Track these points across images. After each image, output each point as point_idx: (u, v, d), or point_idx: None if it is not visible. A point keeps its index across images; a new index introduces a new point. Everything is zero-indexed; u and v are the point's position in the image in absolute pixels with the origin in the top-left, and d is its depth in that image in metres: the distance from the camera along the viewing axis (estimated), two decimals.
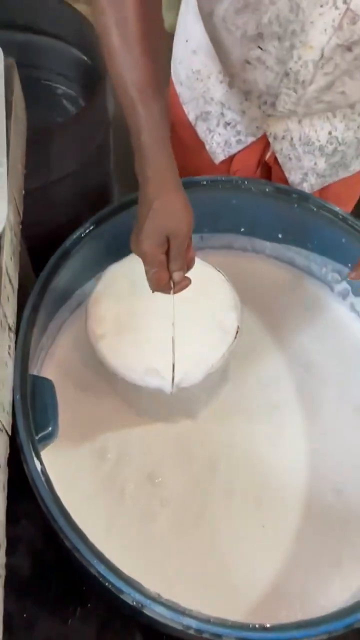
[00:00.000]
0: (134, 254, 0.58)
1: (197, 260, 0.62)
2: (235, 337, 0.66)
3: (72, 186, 0.99)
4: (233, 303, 0.68)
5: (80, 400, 0.70)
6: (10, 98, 0.62)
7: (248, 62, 0.64)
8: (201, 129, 0.79)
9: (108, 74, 0.58)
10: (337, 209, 0.69)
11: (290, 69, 0.61)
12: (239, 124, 0.73)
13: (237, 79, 0.69)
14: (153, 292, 0.59)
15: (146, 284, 0.59)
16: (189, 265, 0.60)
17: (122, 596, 0.48)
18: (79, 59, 1.10)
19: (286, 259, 0.81)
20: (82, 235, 0.65)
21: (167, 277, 0.58)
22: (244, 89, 0.69)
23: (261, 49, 0.62)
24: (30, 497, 0.53)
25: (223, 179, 0.72)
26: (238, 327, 0.66)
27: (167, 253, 0.57)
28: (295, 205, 0.71)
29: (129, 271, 0.68)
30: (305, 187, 0.77)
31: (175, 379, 0.63)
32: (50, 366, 0.72)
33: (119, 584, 0.48)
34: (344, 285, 0.77)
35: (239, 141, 0.75)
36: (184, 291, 0.60)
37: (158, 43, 0.57)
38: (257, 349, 0.76)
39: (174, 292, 0.59)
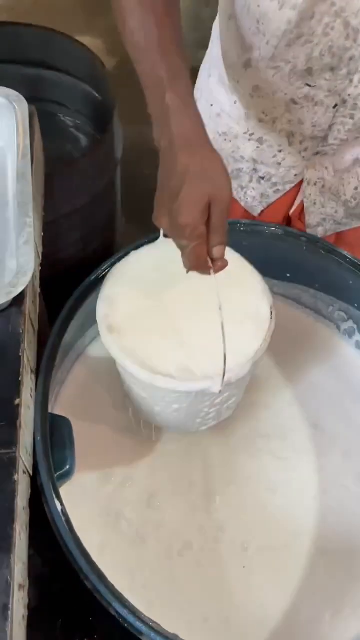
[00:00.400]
0: (166, 230, 0.52)
1: None
2: (272, 319, 0.61)
3: (81, 220, 1.02)
4: (262, 286, 0.63)
5: (89, 428, 0.71)
6: (33, 143, 0.64)
7: (294, 102, 0.65)
8: (232, 187, 0.80)
9: (133, 64, 0.54)
10: (345, 252, 0.72)
11: (349, 95, 0.61)
12: (274, 177, 0.75)
13: (280, 121, 0.69)
14: (189, 271, 0.52)
15: (164, 272, 0.56)
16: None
17: (141, 637, 0.49)
18: (89, 93, 1.14)
19: (293, 296, 0.83)
20: (100, 275, 0.67)
21: (206, 253, 0.51)
22: (287, 130, 0.69)
23: (309, 85, 0.62)
24: (36, 526, 0.54)
25: (237, 222, 0.74)
26: (272, 309, 0.61)
27: (207, 224, 0.50)
28: (304, 248, 0.74)
29: (142, 262, 0.63)
30: (320, 231, 0.79)
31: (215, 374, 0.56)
32: (61, 399, 0.73)
33: (139, 625, 0.49)
34: (350, 323, 0.79)
35: (276, 191, 0.76)
36: (206, 276, 0.52)
37: (179, 17, 0.55)
38: (263, 385, 0.78)
39: (215, 272, 0.52)
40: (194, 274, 0.52)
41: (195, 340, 0.58)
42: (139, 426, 0.72)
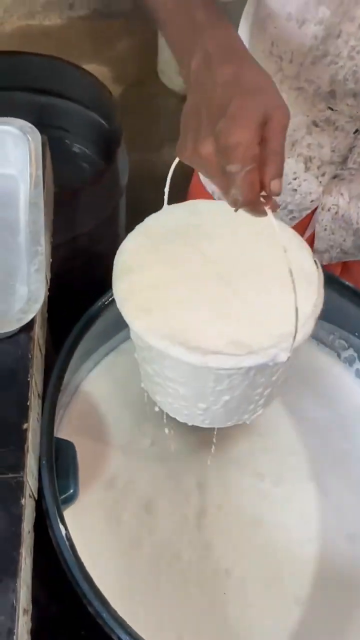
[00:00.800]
0: (201, 159, 0.43)
1: None
2: (318, 269, 0.55)
3: (86, 245, 1.03)
4: (297, 239, 0.56)
5: (93, 446, 0.71)
6: (44, 173, 0.66)
7: (315, 125, 0.64)
8: None
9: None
10: (347, 283, 0.73)
11: None
12: (289, 204, 0.75)
13: (299, 144, 0.68)
14: (238, 206, 0.43)
15: (184, 238, 0.49)
16: None
17: None
18: (96, 121, 1.16)
19: None
20: (106, 302, 0.68)
21: (260, 184, 0.42)
22: (305, 155, 0.68)
23: (331, 109, 0.62)
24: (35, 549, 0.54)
25: None
26: (315, 260, 0.55)
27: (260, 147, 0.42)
28: None
29: (155, 233, 0.57)
30: (325, 257, 0.80)
31: (282, 339, 0.49)
32: (64, 422, 0.74)
33: None
34: (350, 352, 0.80)
35: (292, 218, 0.76)
36: (234, 233, 0.47)
37: None
38: (264, 411, 0.79)
39: (273, 210, 0.43)
40: (221, 232, 0.47)
41: (239, 308, 0.51)
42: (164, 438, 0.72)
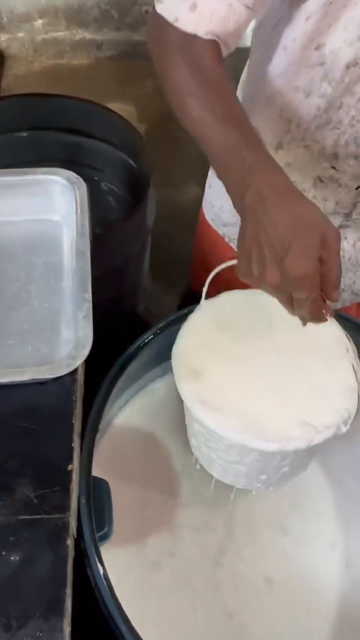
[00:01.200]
0: (268, 286, 0.49)
1: None
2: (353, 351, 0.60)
3: (112, 281, 1.07)
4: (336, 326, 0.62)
5: (123, 484, 0.73)
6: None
7: (320, 180, 0.69)
8: None
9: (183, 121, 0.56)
10: (357, 320, 0.75)
11: None
12: None
13: (306, 195, 0.73)
14: (305, 323, 0.51)
15: (233, 331, 0.56)
16: None
17: None
18: (125, 161, 1.20)
19: None
20: (142, 344, 0.71)
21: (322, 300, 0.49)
22: None
23: (335, 169, 0.67)
24: None
25: None
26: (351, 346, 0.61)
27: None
28: None
29: (208, 318, 0.63)
30: (339, 301, 0.83)
31: (345, 413, 0.56)
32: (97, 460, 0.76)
33: None
34: None
35: None
36: (284, 320, 0.52)
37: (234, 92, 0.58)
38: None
39: (331, 315, 0.51)
40: (266, 327, 0.56)
41: (302, 388, 0.58)
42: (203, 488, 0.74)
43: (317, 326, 0.52)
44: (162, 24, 0.56)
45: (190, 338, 0.63)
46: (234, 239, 0.85)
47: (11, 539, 0.49)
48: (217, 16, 0.55)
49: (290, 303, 0.50)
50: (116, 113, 1.18)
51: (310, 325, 0.52)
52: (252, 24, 0.65)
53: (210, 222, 0.89)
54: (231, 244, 0.86)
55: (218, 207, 0.86)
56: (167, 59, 0.56)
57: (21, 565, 0.48)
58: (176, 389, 0.80)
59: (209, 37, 0.56)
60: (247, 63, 0.75)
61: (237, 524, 0.75)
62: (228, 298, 0.66)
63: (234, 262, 0.54)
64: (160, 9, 0.56)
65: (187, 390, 0.59)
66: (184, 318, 0.71)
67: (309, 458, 0.67)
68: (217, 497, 0.75)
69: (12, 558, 0.48)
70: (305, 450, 0.58)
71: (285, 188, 0.50)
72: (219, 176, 0.54)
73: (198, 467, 0.73)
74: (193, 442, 0.68)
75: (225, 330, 0.63)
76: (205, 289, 0.64)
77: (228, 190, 0.53)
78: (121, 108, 1.45)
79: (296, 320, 0.52)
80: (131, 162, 1.19)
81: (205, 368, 0.60)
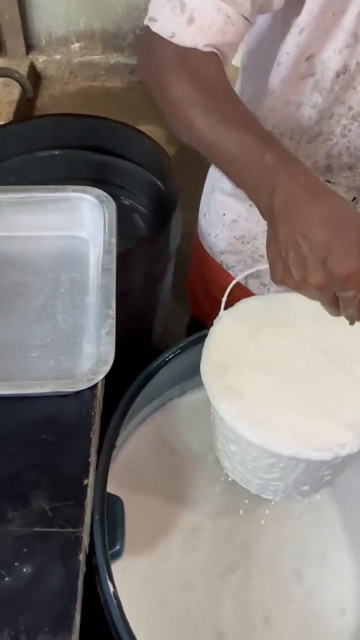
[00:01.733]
0: (319, 288, 0.47)
1: None
2: None
3: (135, 299, 1.08)
4: None
5: (137, 499, 0.72)
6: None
7: None
8: (254, 286, 0.84)
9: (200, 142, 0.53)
10: None
11: None
12: None
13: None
14: (354, 322, 0.49)
15: (262, 330, 0.54)
16: None
17: None
18: (153, 182, 1.22)
19: None
20: (162, 363, 0.71)
21: None
22: None
23: (329, 182, 0.67)
24: None
25: None
26: None
27: None
28: None
29: (232, 328, 0.60)
30: None
31: None
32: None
33: None
34: None
35: None
36: (311, 321, 0.53)
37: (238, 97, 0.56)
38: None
39: None
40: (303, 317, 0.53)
41: (332, 394, 0.55)
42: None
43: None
44: (156, 43, 0.55)
45: (218, 352, 0.60)
46: (232, 266, 0.85)
47: (24, 550, 0.49)
48: (215, 28, 0.53)
49: (335, 304, 0.49)
50: (146, 135, 1.20)
51: (340, 319, 0.49)
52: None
53: (208, 251, 0.89)
54: (229, 271, 0.85)
55: (214, 236, 0.86)
56: (165, 75, 0.54)
57: (33, 578, 0.48)
58: (193, 407, 0.80)
59: (208, 49, 0.54)
60: (237, 83, 0.74)
61: (255, 550, 0.73)
62: (246, 306, 0.63)
63: (265, 266, 0.52)
64: (155, 27, 0.54)
65: (225, 408, 0.56)
66: (204, 338, 0.72)
67: (347, 463, 0.61)
68: (238, 518, 0.74)
69: (24, 570, 0.48)
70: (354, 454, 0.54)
71: (315, 185, 0.48)
72: (238, 184, 0.52)
73: (218, 488, 0.72)
74: (226, 464, 0.65)
75: (251, 338, 0.60)
76: (224, 299, 0.62)
77: (250, 197, 0.51)
78: (151, 130, 1.48)
79: (324, 321, 0.50)
80: (159, 183, 1.21)
81: (239, 383, 0.57)
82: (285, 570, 0.72)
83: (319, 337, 0.59)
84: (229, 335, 0.61)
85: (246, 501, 0.72)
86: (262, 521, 0.75)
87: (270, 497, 0.65)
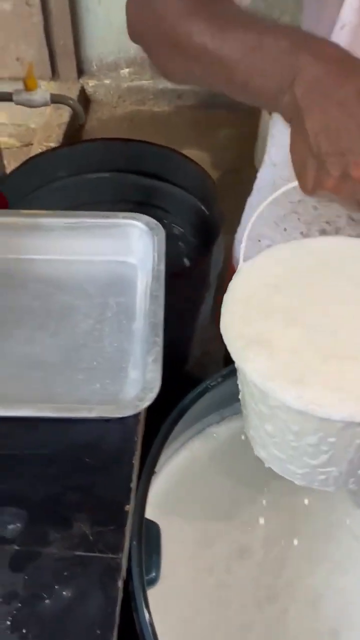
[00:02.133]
0: (357, 179, 0.39)
1: None
2: None
3: (174, 324, 1.08)
4: None
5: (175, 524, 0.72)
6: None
7: (352, 219, 0.68)
8: None
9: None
10: None
11: None
12: None
13: (344, 231, 0.71)
14: None
15: (289, 279, 0.47)
16: None
17: None
18: (197, 207, 1.24)
19: None
20: (209, 387, 0.71)
21: None
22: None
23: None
24: None
25: None
26: None
27: None
28: None
29: (254, 280, 0.52)
30: None
31: None
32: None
33: None
34: None
35: None
36: (342, 266, 0.45)
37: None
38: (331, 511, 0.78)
39: None
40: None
41: None
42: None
43: None
44: None
45: (238, 306, 0.51)
46: None
47: (65, 573, 0.50)
48: None
49: None
50: (191, 159, 1.22)
51: None
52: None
53: None
54: None
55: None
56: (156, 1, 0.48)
57: (72, 602, 0.48)
58: (232, 435, 0.80)
59: None
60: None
61: (300, 587, 0.72)
62: (268, 257, 0.54)
63: (295, 184, 0.44)
64: None
65: (253, 368, 0.46)
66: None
67: None
68: (292, 548, 0.73)
69: (64, 593, 0.49)
70: None
71: (344, 58, 0.40)
72: (252, 94, 0.45)
73: (262, 521, 0.71)
74: (262, 453, 0.56)
75: (278, 289, 0.50)
76: (243, 244, 0.54)
77: (268, 103, 0.44)
78: (196, 155, 1.51)
79: (355, 263, 0.44)
80: (203, 208, 1.23)
81: (266, 335, 0.47)
82: (324, 623, 0.70)
83: (353, 282, 0.49)
84: (250, 287, 0.52)
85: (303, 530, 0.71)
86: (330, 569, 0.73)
87: (319, 488, 0.55)
